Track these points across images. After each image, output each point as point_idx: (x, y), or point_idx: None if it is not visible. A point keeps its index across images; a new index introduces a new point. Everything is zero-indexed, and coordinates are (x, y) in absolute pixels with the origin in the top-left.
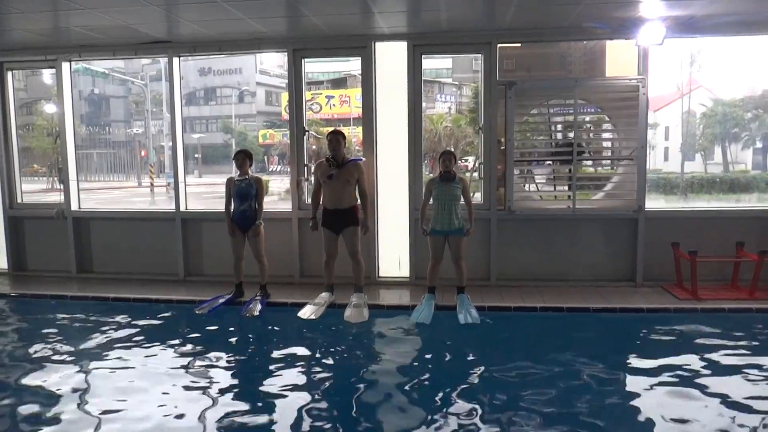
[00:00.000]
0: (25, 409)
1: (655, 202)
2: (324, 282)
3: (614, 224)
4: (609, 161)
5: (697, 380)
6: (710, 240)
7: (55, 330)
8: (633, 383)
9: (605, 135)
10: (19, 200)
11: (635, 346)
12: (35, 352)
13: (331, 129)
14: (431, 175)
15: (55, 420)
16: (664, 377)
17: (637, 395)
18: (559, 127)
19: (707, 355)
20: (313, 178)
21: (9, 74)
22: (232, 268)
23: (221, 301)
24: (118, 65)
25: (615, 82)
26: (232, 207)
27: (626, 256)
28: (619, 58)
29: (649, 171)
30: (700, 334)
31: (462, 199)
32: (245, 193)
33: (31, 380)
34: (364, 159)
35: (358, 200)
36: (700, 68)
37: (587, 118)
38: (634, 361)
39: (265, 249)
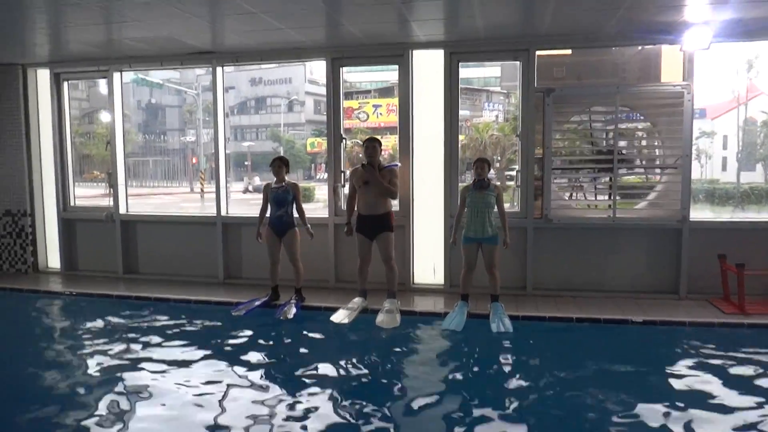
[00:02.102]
0: (66, 405)
1: (706, 213)
2: (357, 287)
3: (657, 234)
4: (652, 169)
5: (737, 399)
6: (760, 252)
7: (99, 327)
8: (670, 400)
9: (648, 143)
10: (72, 203)
11: (675, 361)
12: (79, 348)
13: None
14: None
15: (92, 415)
16: (703, 395)
17: (672, 414)
18: (600, 134)
19: (751, 373)
20: (348, 184)
21: (65, 84)
22: (268, 272)
23: (257, 303)
24: (174, 76)
25: (658, 89)
26: (269, 213)
27: (669, 268)
28: (675, 64)
29: (705, 181)
30: (745, 350)
31: (496, 207)
32: (282, 199)
33: (73, 375)
34: (399, 164)
35: (393, 207)
36: (758, 74)
37: (629, 126)
38: (671, 378)
39: (300, 254)
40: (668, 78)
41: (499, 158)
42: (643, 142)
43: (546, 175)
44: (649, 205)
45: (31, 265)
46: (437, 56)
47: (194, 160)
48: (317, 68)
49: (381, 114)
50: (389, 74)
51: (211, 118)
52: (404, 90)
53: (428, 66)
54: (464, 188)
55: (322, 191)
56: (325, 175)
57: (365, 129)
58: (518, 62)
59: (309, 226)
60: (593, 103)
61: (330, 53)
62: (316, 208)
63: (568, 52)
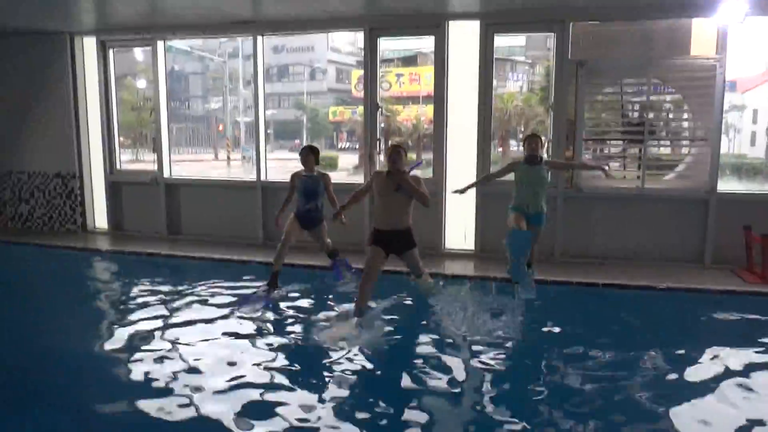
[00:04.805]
0: (109, 366)
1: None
2: (356, 304)
3: (684, 205)
4: (682, 141)
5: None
6: None
7: (145, 284)
8: (695, 367)
9: (679, 115)
10: (118, 167)
11: (700, 327)
12: (126, 304)
13: (400, 108)
14: (499, 151)
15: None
16: (729, 362)
17: (697, 382)
18: (632, 106)
19: None
20: (366, 181)
21: (111, 52)
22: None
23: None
24: (196, 43)
25: (691, 62)
26: (298, 203)
27: (695, 238)
28: (705, 37)
29: (732, 155)
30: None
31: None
32: (312, 190)
33: (121, 332)
34: (422, 161)
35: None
36: None
37: (661, 98)
38: (697, 344)
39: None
40: (697, 51)
41: (523, 129)
42: (676, 115)
43: (577, 145)
44: (677, 176)
45: (80, 225)
46: (472, 27)
47: (220, 128)
48: (339, 37)
49: (404, 83)
50: (412, 43)
51: (235, 85)
52: (440, 60)
53: (463, 37)
54: (514, 162)
55: (344, 160)
56: (347, 144)
57: (388, 98)
58: (553, 34)
59: (344, 215)
60: (626, 76)
61: (368, 23)
62: (340, 177)
63: (596, 22)
